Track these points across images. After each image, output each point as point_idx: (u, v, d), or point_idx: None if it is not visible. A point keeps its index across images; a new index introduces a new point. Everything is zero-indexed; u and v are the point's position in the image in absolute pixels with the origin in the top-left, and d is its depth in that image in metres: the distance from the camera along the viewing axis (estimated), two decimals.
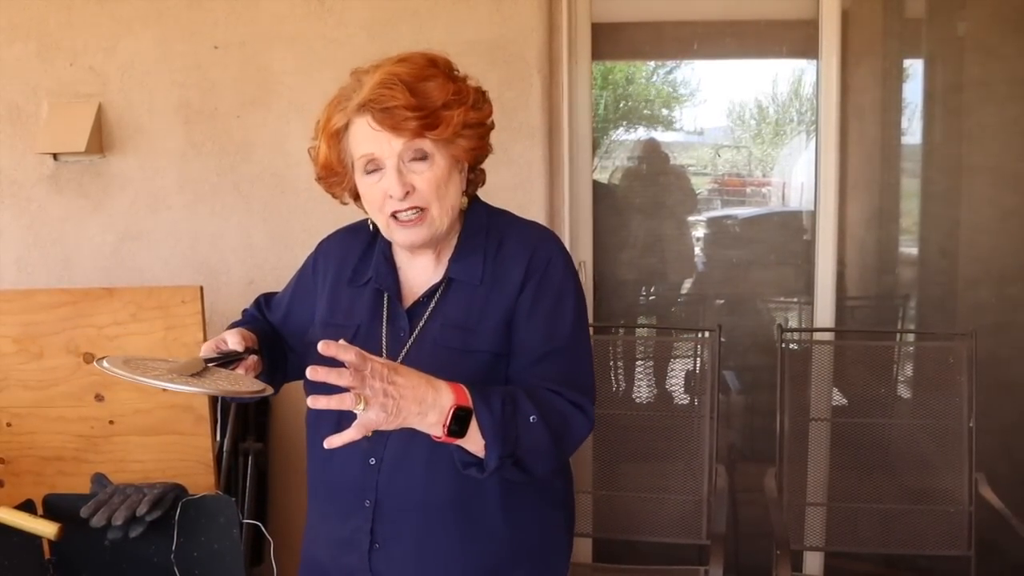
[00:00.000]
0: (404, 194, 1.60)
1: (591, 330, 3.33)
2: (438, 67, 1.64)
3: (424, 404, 1.44)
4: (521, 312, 1.67)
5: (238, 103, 3.24)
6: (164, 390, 1.49)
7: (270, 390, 1.59)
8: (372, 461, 1.67)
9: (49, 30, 3.23)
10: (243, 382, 1.59)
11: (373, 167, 1.63)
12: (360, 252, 1.82)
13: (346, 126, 1.64)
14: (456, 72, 1.67)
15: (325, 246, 1.90)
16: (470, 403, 1.48)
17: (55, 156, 3.26)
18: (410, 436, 1.59)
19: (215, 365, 1.60)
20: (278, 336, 1.89)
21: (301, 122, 3.17)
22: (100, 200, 3.28)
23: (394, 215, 1.64)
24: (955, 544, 3.03)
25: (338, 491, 1.73)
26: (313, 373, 1.37)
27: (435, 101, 1.59)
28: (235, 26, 3.21)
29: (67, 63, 3.24)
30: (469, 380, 1.53)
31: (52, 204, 3.29)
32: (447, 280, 1.71)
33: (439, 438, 1.48)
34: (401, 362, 1.63)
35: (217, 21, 3.22)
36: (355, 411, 1.40)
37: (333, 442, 1.41)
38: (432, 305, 1.69)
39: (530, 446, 1.54)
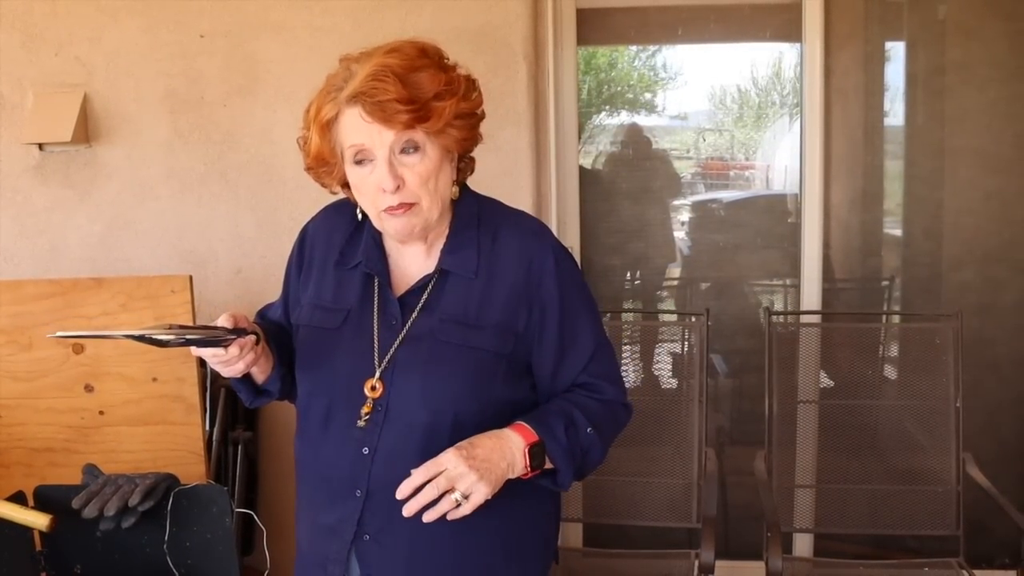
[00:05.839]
0: (395, 187, 1.57)
1: None
2: (429, 57, 1.60)
3: (506, 457, 1.58)
4: (551, 314, 1.69)
5: (224, 92, 3.23)
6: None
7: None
8: (365, 451, 1.64)
9: (34, 20, 3.21)
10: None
11: (362, 157, 1.59)
12: (347, 232, 1.78)
13: (336, 116, 1.60)
14: (446, 61, 1.64)
15: (310, 229, 1.85)
16: (536, 437, 1.61)
17: (40, 146, 3.24)
18: (405, 426, 1.62)
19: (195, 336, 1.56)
20: (284, 332, 1.84)
21: (288, 110, 3.16)
22: (87, 190, 3.27)
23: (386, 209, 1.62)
24: (943, 524, 3.06)
25: (328, 479, 1.70)
26: (408, 511, 1.52)
27: (427, 92, 1.56)
28: (221, 15, 3.20)
29: (52, 53, 3.22)
30: (465, 375, 1.62)
31: (38, 195, 3.27)
32: (440, 272, 1.68)
33: (526, 475, 1.61)
34: (395, 354, 1.65)
35: (203, 10, 3.20)
36: (461, 502, 1.52)
37: (429, 517, 1.53)
38: (425, 296, 1.67)
39: (591, 456, 1.72)
